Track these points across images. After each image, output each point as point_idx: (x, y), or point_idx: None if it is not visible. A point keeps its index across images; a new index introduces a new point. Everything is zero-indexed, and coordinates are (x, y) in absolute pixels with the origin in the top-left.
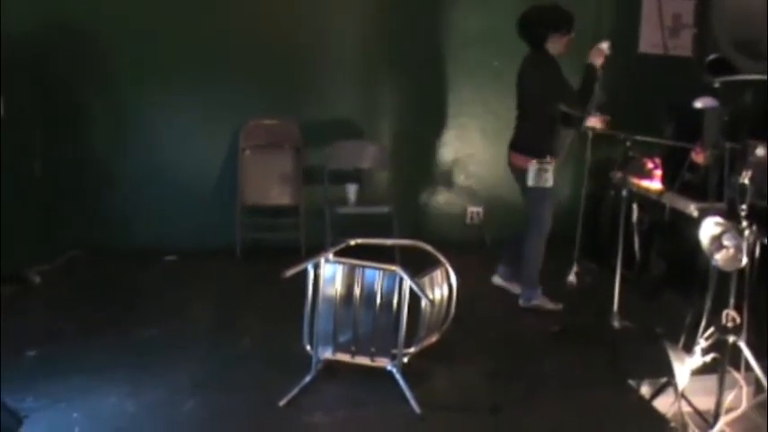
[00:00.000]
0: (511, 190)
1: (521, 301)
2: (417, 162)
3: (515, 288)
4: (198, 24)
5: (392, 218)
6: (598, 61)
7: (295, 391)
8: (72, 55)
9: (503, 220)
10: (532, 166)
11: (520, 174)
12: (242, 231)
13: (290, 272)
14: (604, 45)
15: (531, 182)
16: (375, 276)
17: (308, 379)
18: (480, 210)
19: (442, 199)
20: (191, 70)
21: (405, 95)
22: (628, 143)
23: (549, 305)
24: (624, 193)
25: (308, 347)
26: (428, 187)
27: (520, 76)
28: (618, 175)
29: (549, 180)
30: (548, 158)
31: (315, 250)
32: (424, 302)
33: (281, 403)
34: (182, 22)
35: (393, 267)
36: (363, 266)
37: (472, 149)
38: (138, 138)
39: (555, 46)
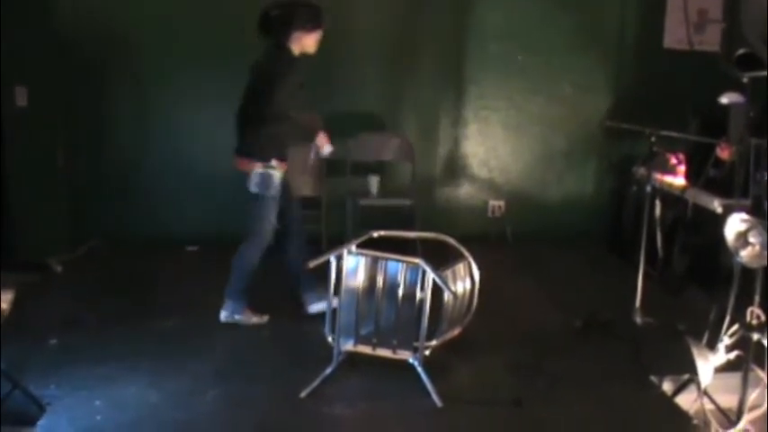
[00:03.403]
0: (533, 184)
1: (222, 315)
2: (440, 155)
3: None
4: (223, 18)
5: (414, 210)
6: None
7: (316, 382)
8: (97, 47)
9: (524, 214)
10: (257, 170)
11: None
12: None
13: (314, 263)
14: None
15: (253, 187)
16: (398, 269)
17: (329, 370)
18: (502, 203)
19: (463, 192)
20: (215, 61)
21: (427, 89)
22: (652, 138)
23: (254, 319)
24: (648, 188)
25: (330, 339)
26: (450, 180)
27: (252, 74)
28: (641, 170)
29: (274, 187)
30: (273, 163)
31: (336, 241)
32: (446, 295)
33: (303, 394)
34: (208, 16)
35: (416, 260)
36: (386, 259)
37: (494, 143)
38: (161, 128)
39: (302, 44)
